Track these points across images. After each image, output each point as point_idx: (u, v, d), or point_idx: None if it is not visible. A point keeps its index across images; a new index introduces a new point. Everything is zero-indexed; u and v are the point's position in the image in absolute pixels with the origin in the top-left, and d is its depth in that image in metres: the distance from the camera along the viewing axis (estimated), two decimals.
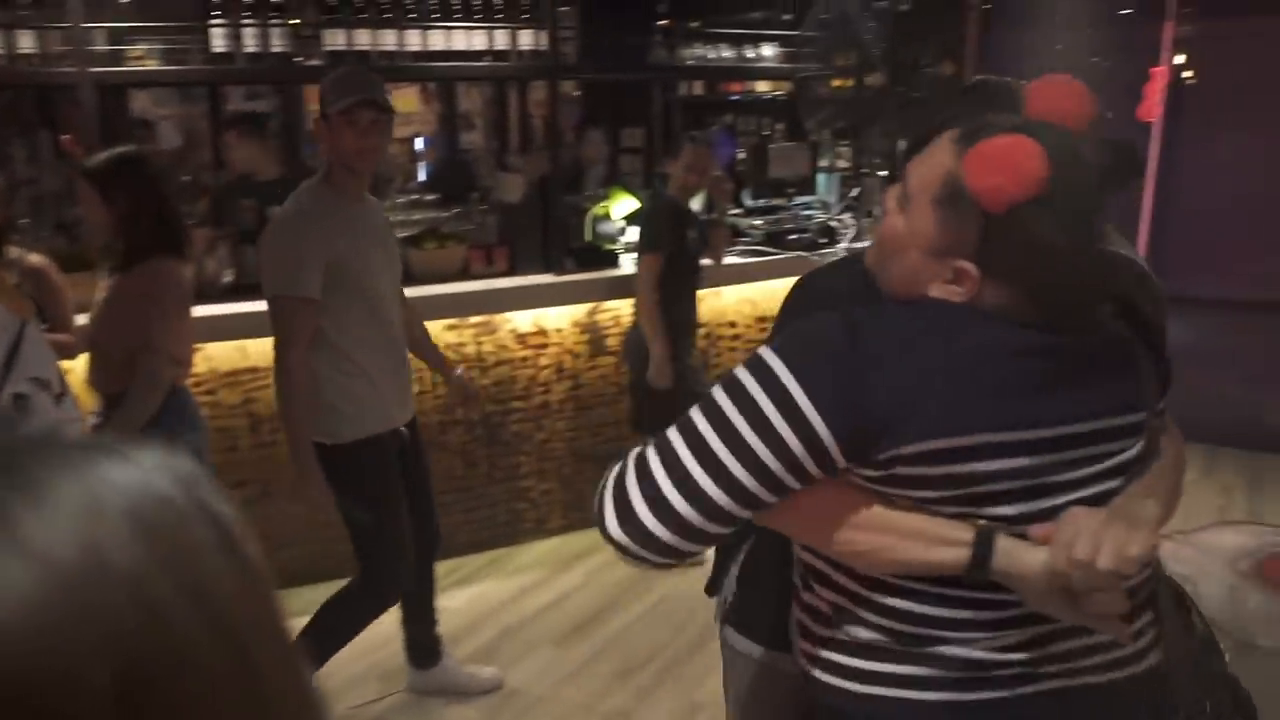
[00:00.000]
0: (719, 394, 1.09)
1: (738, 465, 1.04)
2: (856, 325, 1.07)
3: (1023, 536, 1.04)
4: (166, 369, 2.45)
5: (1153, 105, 5.12)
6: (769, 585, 1.56)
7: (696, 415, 1.09)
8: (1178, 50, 5.11)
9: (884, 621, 1.12)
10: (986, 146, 1.01)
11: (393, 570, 2.67)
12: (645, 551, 1.08)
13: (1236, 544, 3.84)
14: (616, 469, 1.12)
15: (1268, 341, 5.02)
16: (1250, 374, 5.02)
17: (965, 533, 1.04)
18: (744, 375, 1.08)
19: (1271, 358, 4.97)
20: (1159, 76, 5.14)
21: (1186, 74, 5.19)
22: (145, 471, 0.42)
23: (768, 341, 1.28)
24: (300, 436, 2.46)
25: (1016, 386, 1.06)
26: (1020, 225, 1.00)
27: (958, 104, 1.24)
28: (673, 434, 1.09)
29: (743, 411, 1.05)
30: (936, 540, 1.05)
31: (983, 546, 1.03)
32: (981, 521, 1.05)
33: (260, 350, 3.37)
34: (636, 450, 1.11)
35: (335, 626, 2.70)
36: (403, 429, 2.65)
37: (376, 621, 3.30)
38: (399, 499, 2.60)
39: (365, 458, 2.51)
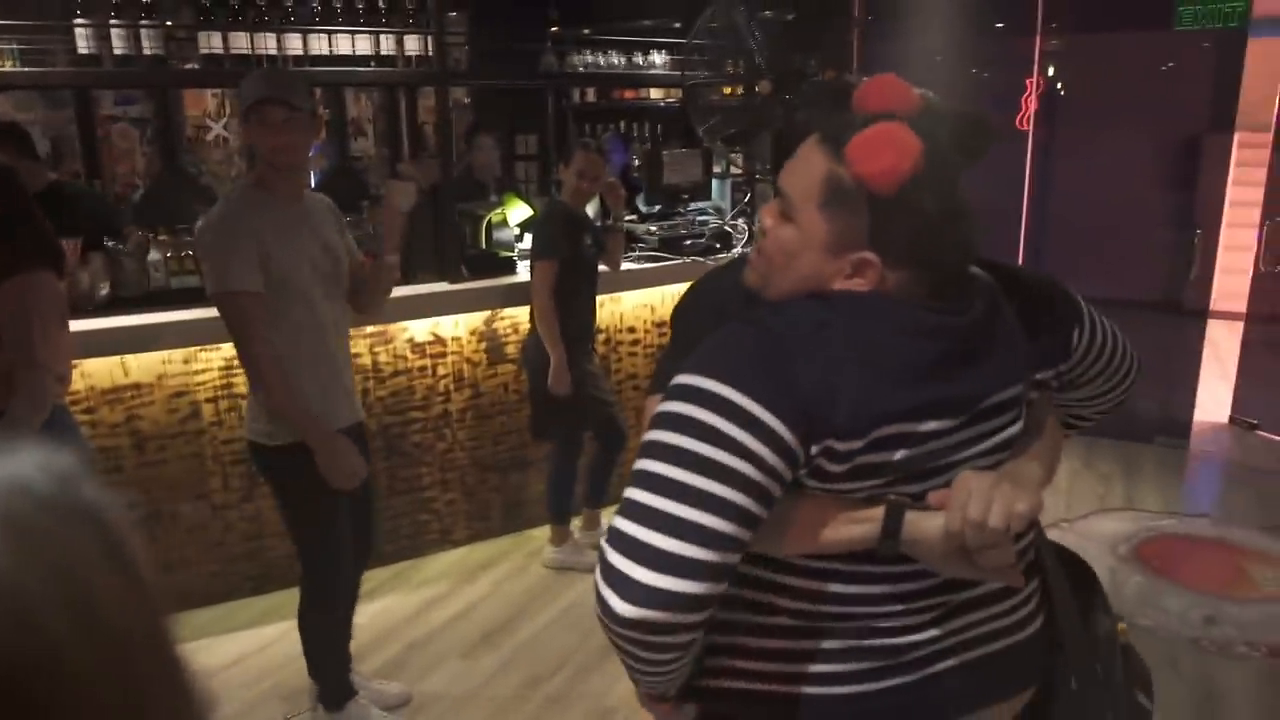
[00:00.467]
0: (664, 435, 1.03)
1: (720, 486, 1.00)
2: (764, 325, 1.07)
3: (923, 506, 1.08)
4: (51, 385, 2.31)
5: (1027, 114, 5.37)
6: None
7: (652, 465, 1.02)
8: (1047, 63, 5.37)
9: (799, 605, 1.13)
10: (864, 136, 1.04)
11: (330, 579, 2.61)
12: (671, 614, 0.98)
13: (1115, 530, 4.06)
14: (597, 566, 1.04)
15: (1137, 338, 5.31)
16: None
17: (875, 509, 1.08)
18: (680, 407, 1.04)
19: (1141, 353, 5.25)
20: (1031, 87, 5.39)
21: (1058, 85, 5.45)
22: (20, 470, 0.40)
23: (671, 361, 1.33)
24: (301, 420, 2.40)
25: (926, 369, 1.08)
26: (908, 203, 1.04)
27: (811, 103, 1.26)
28: (636, 494, 1.02)
29: (700, 437, 1.01)
30: (848, 519, 1.08)
31: (893, 520, 1.07)
32: (891, 496, 1.09)
33: (141, 365, 3.23)
34: (604, 535, 1.05)
35: (313, 642, 2.70)
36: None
37: (276, 640, 3.21)
38: (335, 505, 2.51)
39: (301, 459, 2.41)
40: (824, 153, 1.09)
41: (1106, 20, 5.25)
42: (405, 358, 3.64)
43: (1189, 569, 3.71)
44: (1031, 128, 5.41)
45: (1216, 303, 5.68)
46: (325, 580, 2.60)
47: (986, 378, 1.14)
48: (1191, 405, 5.09)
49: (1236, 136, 5.68)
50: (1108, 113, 5.35)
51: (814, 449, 1.04)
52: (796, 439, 1.03)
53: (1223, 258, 5.92)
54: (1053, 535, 4.13)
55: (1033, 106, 5.40)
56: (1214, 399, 5.35)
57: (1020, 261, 5.48)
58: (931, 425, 1.08)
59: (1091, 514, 4.20)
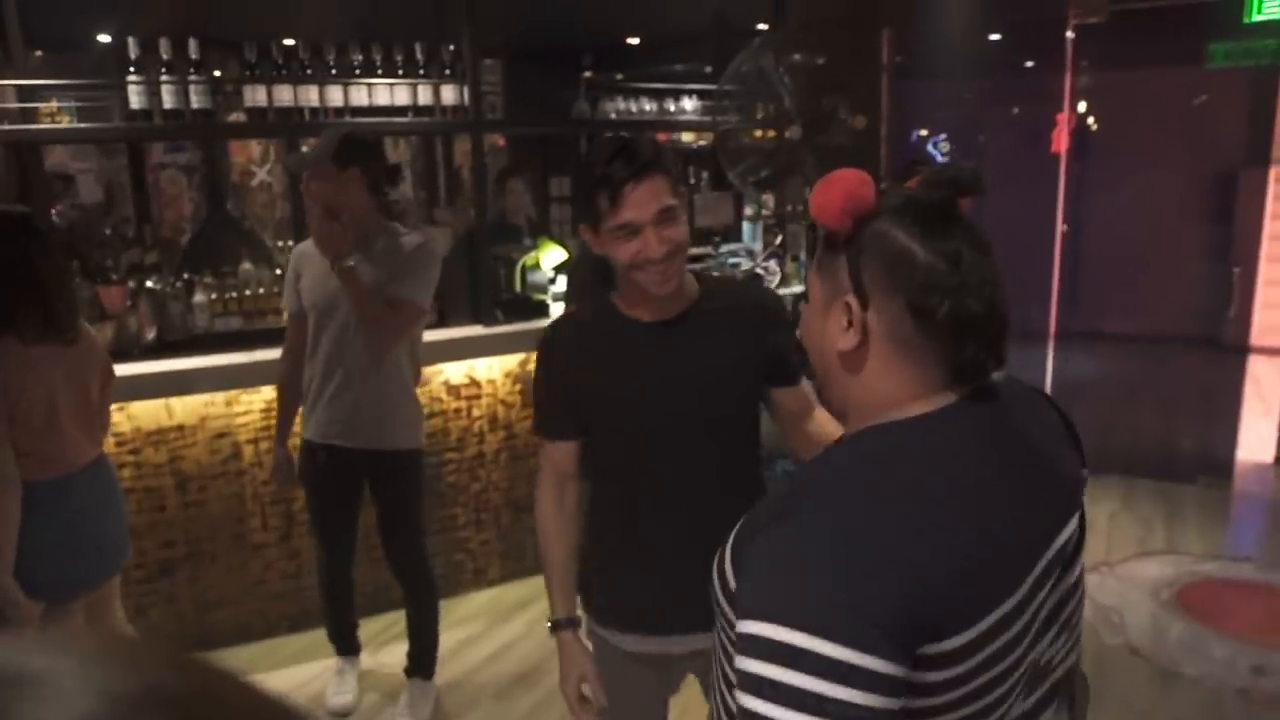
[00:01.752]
0: (756, 705, 0.87)
1: None
2: (812, 525, 0.92)
3: None
4: (7, 466, 2.21)
5: (1061, 146, 5.38)
6: (628, 573, 1.77)
7: None
8: (1078, 99, 5.39)
9: None
10: (820, 182, 1.03)
11: (320, 557, 3.13)
12: None
13: (1157, 574, 3.99)
14: None
15: (1176, 375, 5.26)
16: (1164, 406, 5.23)
17: None
18: (760, 668, 0.87)
19: (1183, 390, 5.20)
20: (1062, 123, 5.40)
21: (1089, 120, 5.47)
22: None
23: (541, 398, 1.77)
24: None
25: (1006, 519, 0.96)
26: (874, 235, 0.99)
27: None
28: None
29: (797, 707, 0.85)
30: None
31: None
32: None
33: (185, 408, 3.31)
34: None
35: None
36: (331, 447, 2.88)
37: (314, 677, 3.26)
38: (320, 501, 3.01)
39: (301, 454, 2.97)
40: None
41: (1138, 57, 5.26)
42: (441, 400, 3.70)
43: (1235, 616, 3.64)
44: (1064, 164, 5.41)
45: (1257, 338, 5.61)
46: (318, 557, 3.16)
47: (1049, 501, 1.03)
48: (1234, 444, 5.02)
49: (1273, 171, 5.64)
50: (1141, 148, 5.36)
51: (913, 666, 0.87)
52: (902, 668, 0.86)
53: (1264, 293, 5.86)
54: (1092, 579, 4.07)
55: (1065, 143, 5.41)
56: (1258, 437, 5.26)
57: (1054, 299, 5.46)
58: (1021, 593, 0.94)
59: (1132, 558, 4.13)
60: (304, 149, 2.88)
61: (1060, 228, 5.45)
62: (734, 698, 0.92)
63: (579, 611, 1.83)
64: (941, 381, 1.00)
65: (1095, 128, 5.46)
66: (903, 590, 0.87)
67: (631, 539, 1.76)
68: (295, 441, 3.06)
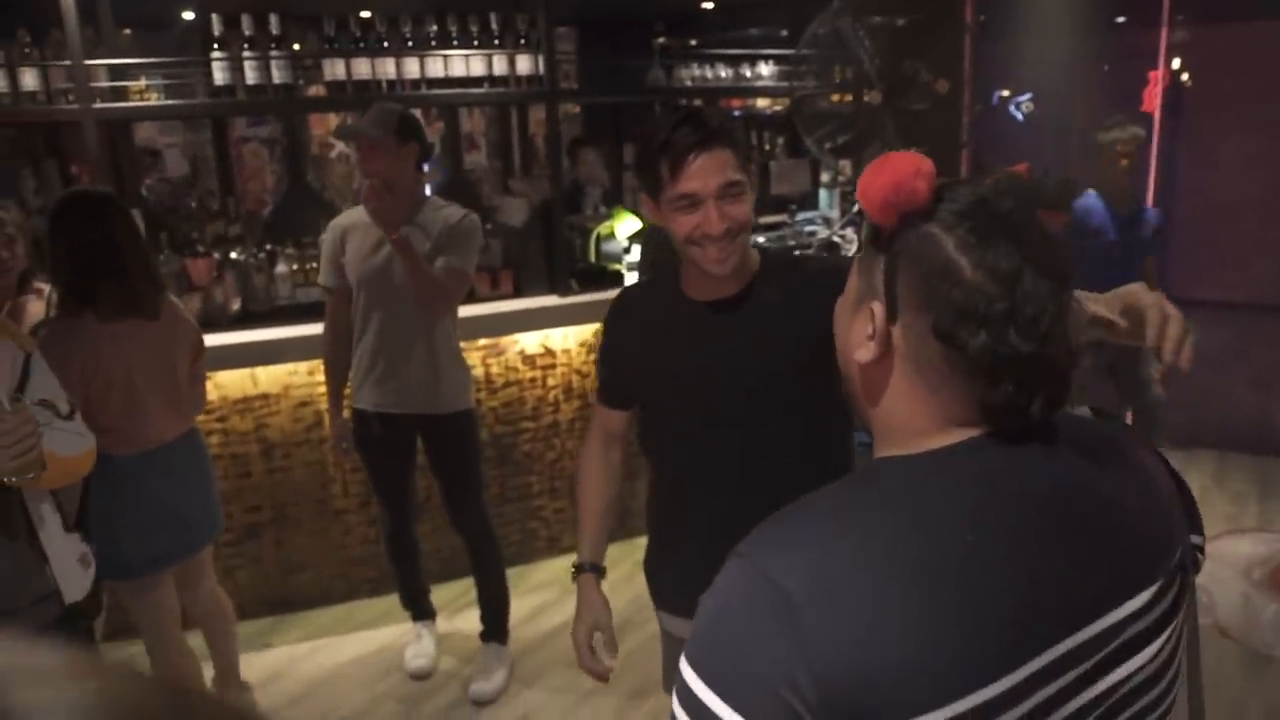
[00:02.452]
0: None
1: None
2: (766, 582, 0.80)
3: None
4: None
5: (1152, 100, 5.14)
6: (679, 555, 1.75)
7: None
8: (1173, 55, 5.13)
9: None
10: (873, 163, 0.88)
11: (384, 522, 3.23)
12: None
13: (1249, 552, 3.85)
14: None
15: (1273, 344, 5.02)
16: (1260, 378, 5.01)
17: None
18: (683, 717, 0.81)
19: (1275, 360, 4.96)
20: (1156, 81, 5.16)
21: (1184, 77, 5.20)
22: None
23: (602, 367, 1.79)
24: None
25: (1004, 588, 0.81)
26: (920, 239, 0.85)
27: None
28: None
29: None
30: None
31: None
32: None
33: (270, 377, 3.40)
34: None
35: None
36: (384, 415, 2.98)
37: (394, 641, 3.35)
38: (378, 467, 3.12)
39: (355, 424, 3.07)
40: None
41: (1237, 11, 4.98)
42: (516, 369, 3.74)
43: None
44: (1157, 123, 5.18)
45: None
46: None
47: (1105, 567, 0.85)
48: None
49: None
50: (1239, 107, 5.08)
51: None
52: None
53: None
54: None
55: (1157, 100, 5.17)
56: None
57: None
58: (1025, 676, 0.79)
59: (1223, 535, 3.99)
60: (350, 121, 2.91)
61: (1151, 191, 5.22)
62: None
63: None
64: (967, 419, 0.86)
65: (1190, 85, 5.19)
66: (836, 674, 0.75)
67: (681, 521, 1.74)
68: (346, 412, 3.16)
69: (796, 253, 3.92)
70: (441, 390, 2.96)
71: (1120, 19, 5.46)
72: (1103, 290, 1.15)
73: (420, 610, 3.35)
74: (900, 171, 0.84)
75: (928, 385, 0.86)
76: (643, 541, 1.91)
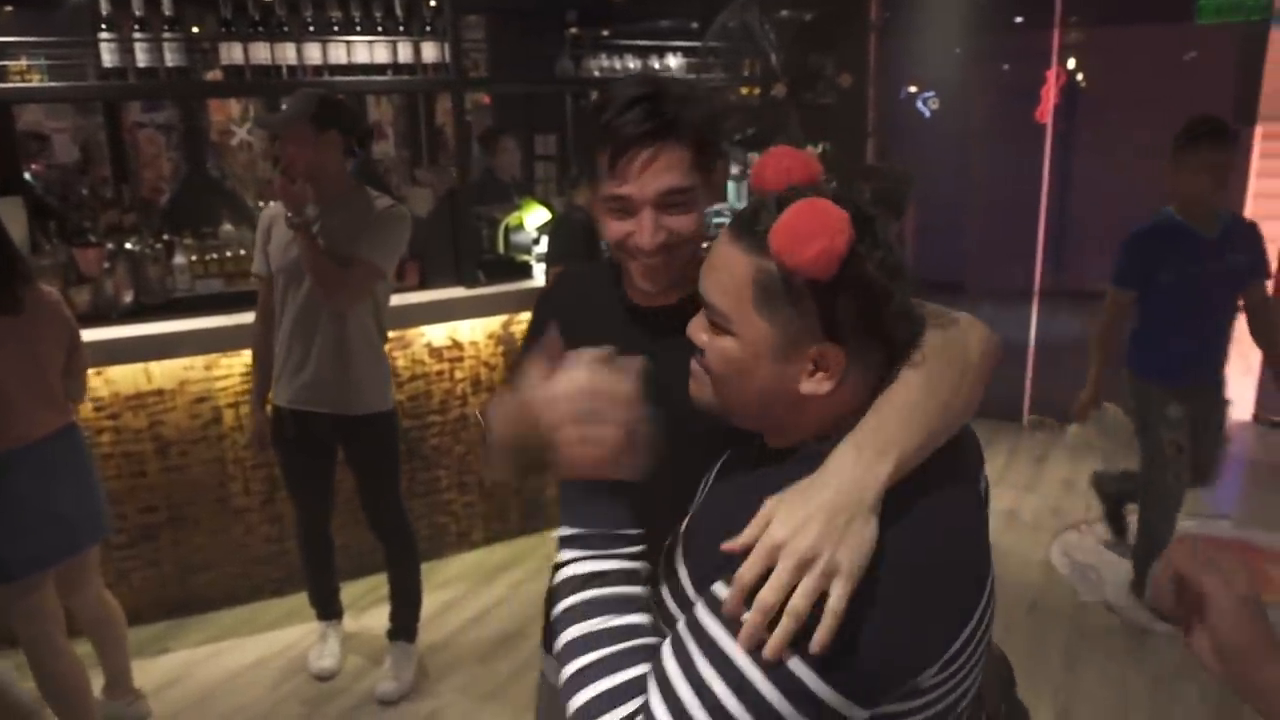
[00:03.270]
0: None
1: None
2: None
3: None
4: None
5: (1046, 107, 5.33)
6: None
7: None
8: (1066, 56, 5.32)
9: None
10: (785, 225, 0.90)
11: (297, 521, 3.17)
12: None
13: (1135, 532, 4.03)
14: None
15: None
16: None
17: None
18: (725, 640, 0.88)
19: None
20: (1051, 80, 5.35)
21: (1079, 77, 5.40)
22: None
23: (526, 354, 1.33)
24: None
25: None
26: (852, 278, 0.91)
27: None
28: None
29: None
30: None
31: None
32: None
33: (165, 372, 3.29)
34: None
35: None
36: (299, 413, 2.90)
37: (298, 641, 3.28)
38: (292, 466, 3.04)
39: (272, 420, 2.99)
40: (741, 249, 0.95)
41: (1126, 14, 5.20)
42: (423, 362, 3.69)
43: None
44: (1051, 122, 5.37)
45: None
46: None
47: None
48: None
49: (1260, 129, 5.61)
50: (1129, 106, 5.30)
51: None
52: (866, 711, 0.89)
53: None
54: (1071, 538, 4.10)
55: (1053, 100, 5.36)
56: (1237, 396, 5.28)
57: (1040, 255, 5.46)
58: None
59: None
60: (283, 108, 2.83)
61: (1046, 185, 5.42)
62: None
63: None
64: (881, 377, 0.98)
65: (1084, 85, 5.40)
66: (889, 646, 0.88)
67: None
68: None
69: None
70: (356, 390, 2.88)
71: (1017, 19, 5.65)
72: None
73: (328, 610, 3.27)
74: (829, 231, 0.89)
75: (863, 373, 0.96)
76: (554, 535, 1.73)
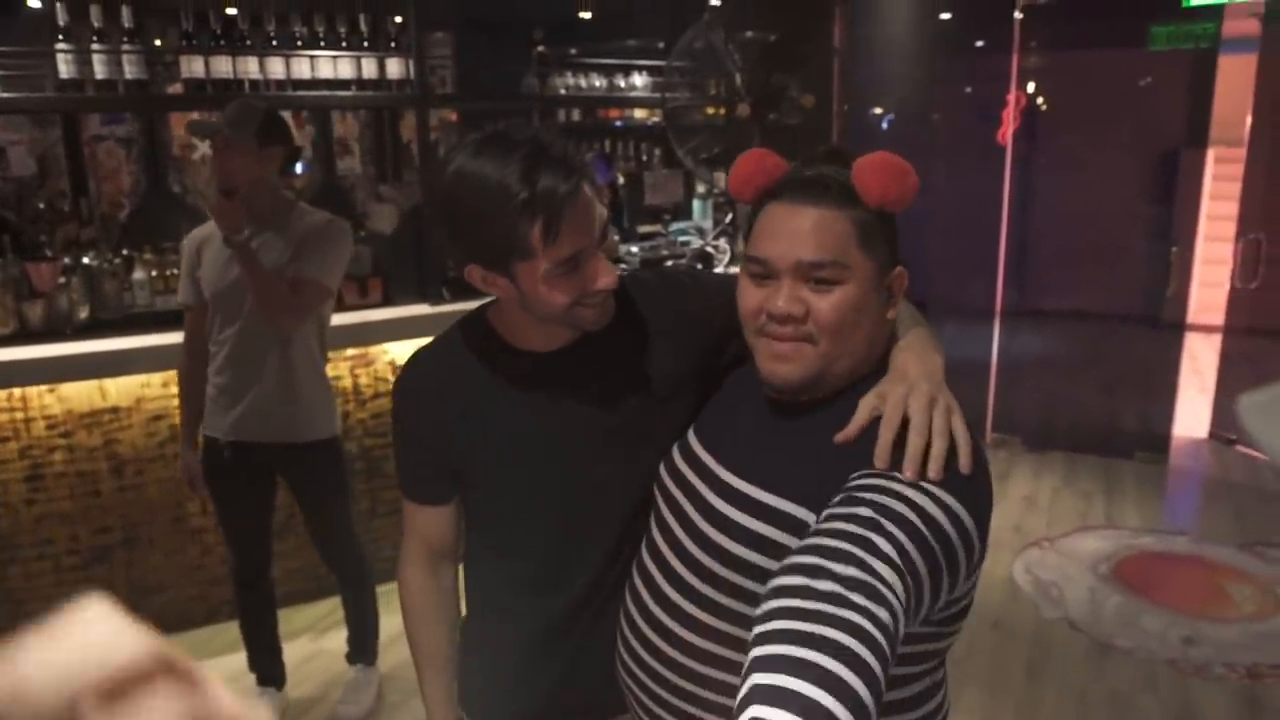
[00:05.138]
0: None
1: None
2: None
3: None
4: None
5: (1007, 129, 5.42)
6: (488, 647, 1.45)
7: None
8: (1026, 79, 5.43)
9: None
10: (876, 169, 1.07)
11: (231, 565, 2.96)
12: None
13: (1096, 548, 4.09)
14: None
15: (1118, 351, 5.36)
16: (1105, 383, 5.35)
17: None
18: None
19: (1123, 366, 5.31)
20: (1011, 102, 5.44)
21: (1038, 100, 5.51)
22: None
23: (405, 461, 1.36)
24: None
25: None
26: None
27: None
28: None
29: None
30: None
31: None
32: None
33: (120, 389, 3.23)
34: None
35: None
36: (238, 443, 2.74)
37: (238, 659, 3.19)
38: (229, 504, 2.85)
39: (205, 454, 2.81)
40: (828, 206, 1.08)
41: (1083, 39, 5.32)
42: (386, 380, 3.65)
43: (1168, 588, 3.74)
44: (1010, 144, 5.46)
45: (1195, 316, 5.74)
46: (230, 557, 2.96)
47: None
48: (1171, 420, 5.14)
49: (1212, 152, 5.75)
50: (1086, 128, 5.41)
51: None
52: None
53: (1202, 271, 5.99)
54: (1033, 555, 4.14)
55: (1012, 123, 5.46)
56: (1193, 414, 5.39)
57: (1001, 274, 5.54)
58: None
59: (1072, 532, 4.23)
60: (210, 118, 2.66)
61: (1006, 205, 5.50)
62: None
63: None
64: None
65: (1043, 108, 5.51)
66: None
67: (520, 615, 1.39)
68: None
69: (657, 270, 3.94)
70: (299, 416, 2.73)
71: (979, 43, 5.75)
72: None
73: (268, 673, 2.99)
74: (911, 170, 1.09)
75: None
76: None
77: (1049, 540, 4.14)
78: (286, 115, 2.90)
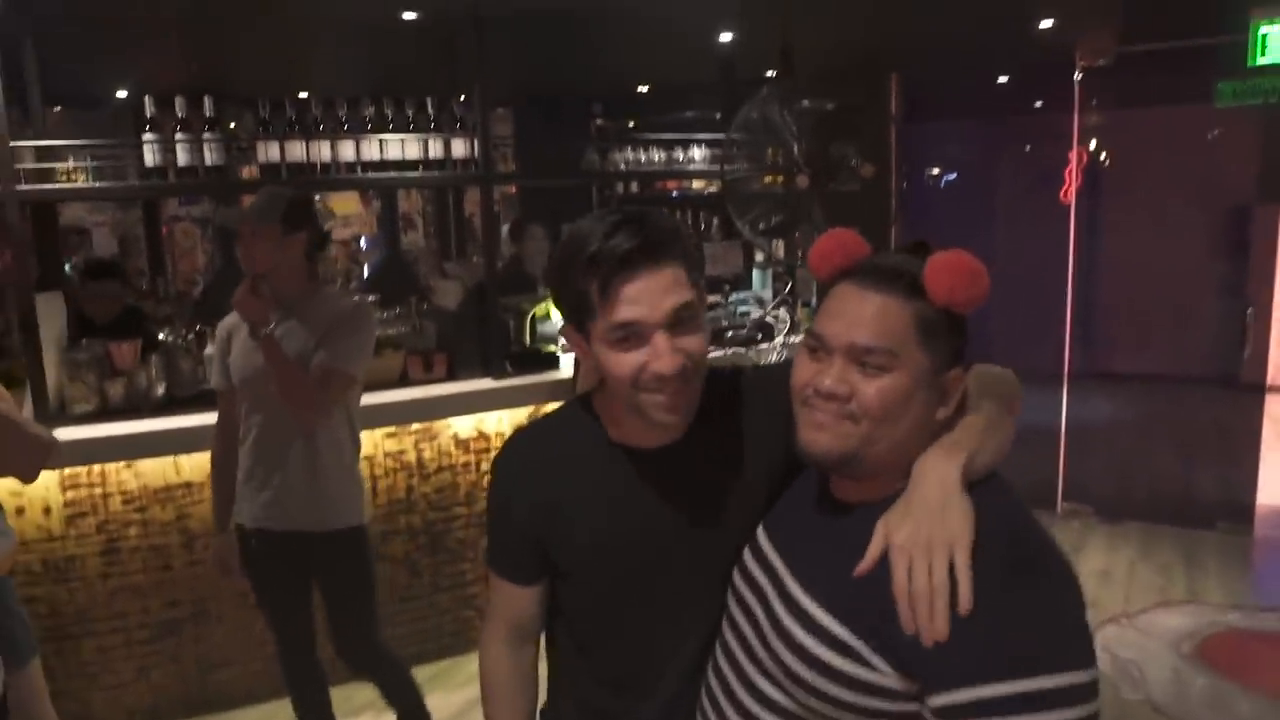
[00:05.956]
0: None
1: None
2: (1053, 571, 1.04)
3: None
4: None
5: (1070, 189, 5.37)
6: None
7: None
8: (1088, 137, 5.38)
9: None
10: (948, 269, 1.07)
11: (277, 646, 2.90)
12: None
13: (1178, 625, 3.91)
14: None
15: (1194, 415, 5.20)
16: (1181, 449, 5.17)
17: None
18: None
19: (1200, 431, 5.14)
20: (1073, 160, 5.39)
21: (1101, 158, 5.45)
22: None
23: (497, 537, 1.39)
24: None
25: None
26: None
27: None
28: None
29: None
30: None
31: None
32: None
33: (193, 464, 3.31)
34: None
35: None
36: (264, 532, 2.70)
37: None
38: (264, 590, 2.82)
39: (239, 539, 2.78)
40: (896, 295, 1.09)
41: (1147, 96, 5.27)
42: (450, 454, 3.69)
43: (1260, 669, 3.55)
44: (1074, 203, 5.40)
45: (1275, 376, 5.54)
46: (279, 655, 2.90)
47: None
48: (1254, 487, 4.93)
49: None
50: (1152, 186, 5.34)
51: None
52: None
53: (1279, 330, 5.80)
54: (1110, 631, 3.98)
55: (1075, 181, 5.40)
56: (1278, 480, 5.17)
57: (1068, 336, 5.43)
58: None
59: (1152, 608, 4.05)
60: (236, 206, 2.76)
61: (1072, 266, 5.42)
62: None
63: None
64: None
65: (1107, 166, 5.44)
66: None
67: (598, 711, 1.39)
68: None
69: (738, 368, 3.91)
70: (323, 504, 2.66)
71: (1038, 104, 5.73)
72: None
73: None
74: (984, 275, 1.08)
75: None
76: None
77: (1127, 616, 3.98)
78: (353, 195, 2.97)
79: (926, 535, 1.01)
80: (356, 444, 2.79)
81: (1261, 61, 4.22)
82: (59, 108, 5.52)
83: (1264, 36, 4.16)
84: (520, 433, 1.42)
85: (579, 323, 1.21)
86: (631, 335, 1.16)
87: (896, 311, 1.08)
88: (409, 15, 3.78)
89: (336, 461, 2.68)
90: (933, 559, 0.99)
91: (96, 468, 3.21)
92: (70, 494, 3.17)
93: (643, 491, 1.28)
